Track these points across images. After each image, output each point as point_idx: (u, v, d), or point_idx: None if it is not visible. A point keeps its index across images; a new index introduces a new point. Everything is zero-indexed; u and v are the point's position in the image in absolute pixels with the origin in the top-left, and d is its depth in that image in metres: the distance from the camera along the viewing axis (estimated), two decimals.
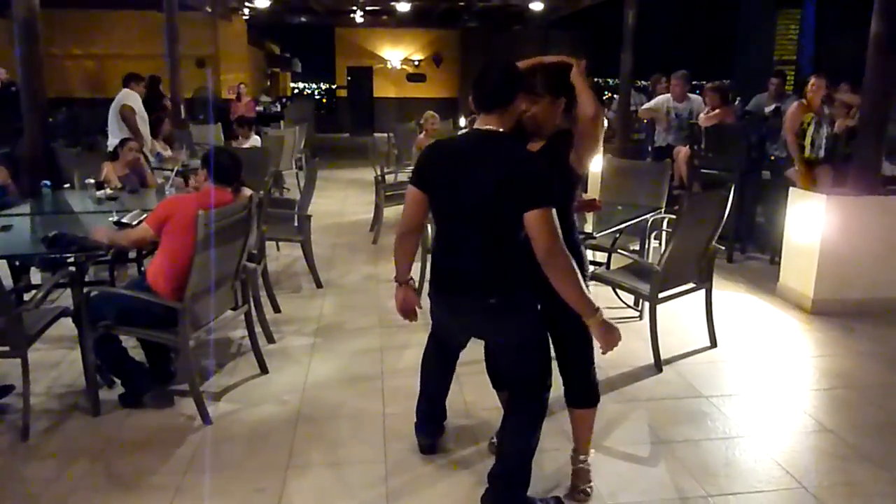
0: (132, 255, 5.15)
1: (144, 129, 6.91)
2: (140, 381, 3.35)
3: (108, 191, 4.87)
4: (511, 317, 2.37)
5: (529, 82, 2.38)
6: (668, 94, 7.54)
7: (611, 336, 2.30)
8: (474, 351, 2.81)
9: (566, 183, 2.44)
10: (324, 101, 31.68)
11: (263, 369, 3.72)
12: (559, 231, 2.19)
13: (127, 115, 6.65)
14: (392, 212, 7.42)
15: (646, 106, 7.96)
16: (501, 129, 2.30)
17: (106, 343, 3.23)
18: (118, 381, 3.40)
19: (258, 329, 3.92)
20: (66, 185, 5.38)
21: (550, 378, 2.51)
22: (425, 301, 2.67)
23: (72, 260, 3.39)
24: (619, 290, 4.45)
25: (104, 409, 3.25)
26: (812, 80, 6.03)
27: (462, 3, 15.00)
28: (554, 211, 2.19)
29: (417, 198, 2.45)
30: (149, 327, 3.20)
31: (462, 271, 2.40)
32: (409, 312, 2.66)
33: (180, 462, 2.86)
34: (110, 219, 3.96)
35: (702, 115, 6.92)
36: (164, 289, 3.17)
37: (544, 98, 2.38)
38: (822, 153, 5.73)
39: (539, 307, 2.44)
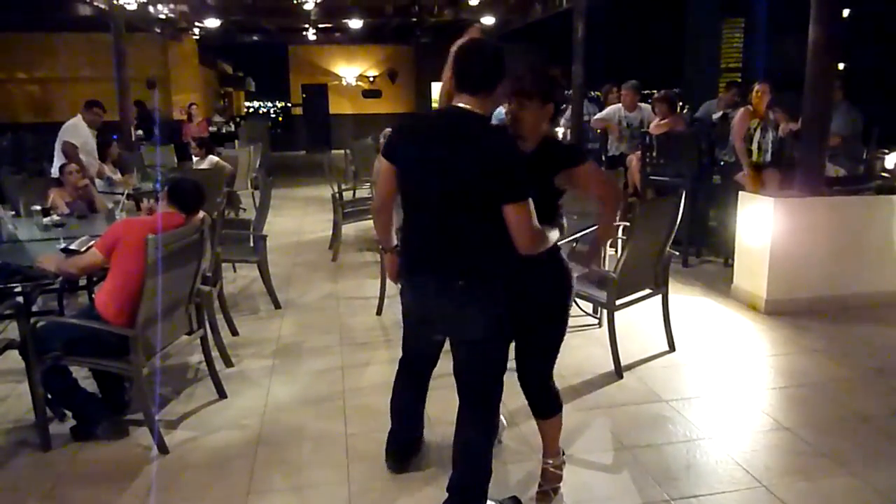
0: (82, 282, 5.01)
1: (89, 159, 6.68)
2: (92, 413, 3.24)
3: (55, 217, 4.73)
4: (477, 305, 2.30)
5: (519, 86, 2.35)
6: (620, 104, 7.69)
7: None
8: (440, 365, 2.78)
9: (544, 194, 2.35)
10: (279, 119, 31.46)
11: (221, 394, 3.64)
12: (535, 219, 2.17)
13: (68, 152, 6.40)
14: (351, 229, 7.39)
15: (598, 116, 8.10)
16: (484, 114, 2.26)
17: (55, 375, 3.11)
18: (69, 414, 3.28)
19: (215, 353, 3.84)
20: (13, 213, 5.20)
21: (501, 387, 2.47)
22: (388, 318, 2.65)
23: (18, 290, 3.27)
24: (577, 299, 4.49)
25: (55, 443, 3.13)
26: (757, 86, 6.20)
27: (414, 19, 15.08)
28: (530, 202, 2.15)
29: (387, 170, 2.41)
30: (100, 356, 3.09)
31: (430, 251, 2.33)
32: (398, 277, 2.61)
33: (137, 494, 2.77)
34: (58, 246, 3.84)
35: (652, 123, 7.07)
36: (113, 315, 3.07)
37: (533, 101, 2.34)
38: (768, 157, 5.89)
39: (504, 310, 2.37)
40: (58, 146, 6.56)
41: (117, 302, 3.08)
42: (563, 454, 2.77)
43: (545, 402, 2.64)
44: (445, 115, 2.37)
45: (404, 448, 2.92)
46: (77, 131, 6.61)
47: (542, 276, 2.43)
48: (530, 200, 2.16)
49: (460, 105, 2.25)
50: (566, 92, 7.95)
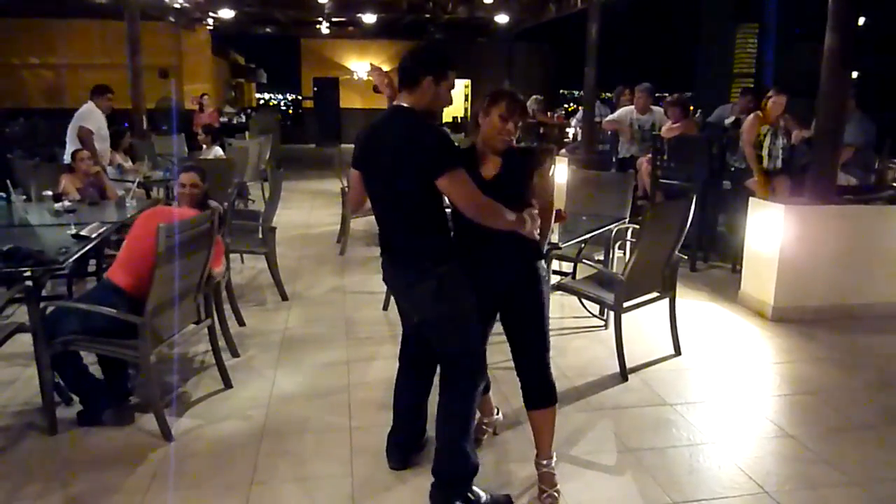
0: (91, 268, 5.05)
1: (103, 145, 6.73)
2: (99, 399, 3.27)
3: (67, 203, 4.76)
4: (432, 288, 2.43)
5: (519, 103, 2.51)
6: (632, 107, 7.67)
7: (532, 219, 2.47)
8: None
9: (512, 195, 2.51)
10: (290, 111, 31.48)
11: (227, 384, 3.66)
12: (474, 187, 2.33)
13: (83, 137, 6.45)
14: (359, 223, 7.40)
15: (609, 118, 8.08)
16: (412, 107, 2.42)
17: (64, 359, 3.15)
18: (76, 399, 3.31)
19: (222, 343, 3.86)
20: (24, 198, 5.23)
21: (482, 362, 2.60)
22: (394, 313, 2.67)
23: (28, 274, 3.29)
24: (584, 300, 4.49)
25: (61, 427, 3.16)
26: (772, 95, 6.18)
27: (428, 16, 15.07)
28: (462, 171, 2.31)
29: (356, 176, 2.61)
30: (108, 342, 3.12)
31: (389, 245, 2.56)
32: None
33: (141, 480, 2.79)
34: (68, 231, 3.86)
35: (664, 126, 7.05)
36: (122, 279, 3.26)
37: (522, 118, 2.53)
38: (779, 163, 5.87)
39: (472, 283, 2.50)
40: (71, 131, 6.59)
41: (130, 274, 3.28)
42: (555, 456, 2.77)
43: (538, 388, 2.65)
44: (384, 115, 2.55)
45: (405, 445, 2.93)
46: (92, 116, 6.65)
47: (506, 241, 2.52)
48: (462, 171, 2.31)
49: (397, 103, 2.48)
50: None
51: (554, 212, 2.72)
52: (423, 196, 2.38)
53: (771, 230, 4.87)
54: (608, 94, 10.57)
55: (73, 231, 3.85)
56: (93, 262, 5.13)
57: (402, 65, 2.46)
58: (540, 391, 2.65)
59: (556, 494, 2.65)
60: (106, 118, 6.85)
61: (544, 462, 2.69)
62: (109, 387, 3.43)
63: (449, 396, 2.56)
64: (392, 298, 4.86)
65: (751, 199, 5.24)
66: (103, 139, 6.76)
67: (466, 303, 2.49)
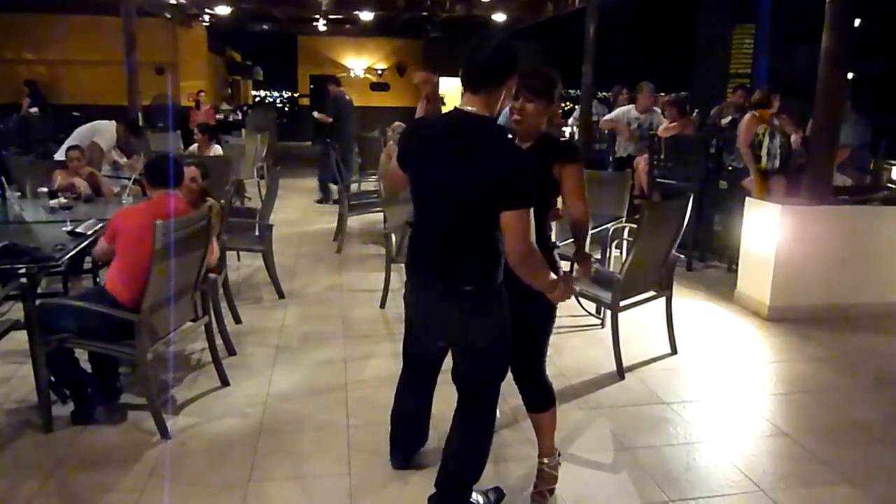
0: (87, 266, 5.02)
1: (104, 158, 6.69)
2: (93, 397, 3.26)
3: (62, 200, 4.74)
4: (483, 313, 2.28)
5: (531, 81, 2.37)
6: (630, 106, 7.68)
7: (566, 284, 2.32)
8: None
9: (545, 190, 2.43)
10: (286, 109, 31.39)
11: (224, 382, 3.65)
12: (533, 232, 2.11)
13: (93, 153, 6.35)
14: (356, 221, 7.40)
15: (607, 117, 8.09)
16: (487, 114, 2.18)
17: (59, 356, 3.14)
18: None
19: (218, 341, 3.85)
20: (19, 195, 5.21)
21: (498, 394, 2.48)
22: (391, 311, 2.65)
23: (24, 271, 3.28)
24: (581, 299, 4.50)
25: (57, 425, 3.15)
26: (768, 93, 6.22)
27: (426, 14, 15.04)
28: (531, 212, 2.10)
29: (399, 174, 2.39)
30: (105, 340, 3.11)
31: (438, 255, 2.30)
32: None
33: (138, 478, 2.78)
34: (64, 229, 3.85)
35: (661, 126, 7.06)
36: (123, 295, 3.12)
37: (540, 99, 2.39)
38: (776, 163, 5.89)
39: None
40: (82, 139, 6.45)
41: (126, 284, 3.13)
42: (559, 455, 2.77)
43: (537, 394, 2.64)
44: (449, 120, 2.28)
45: (409, 446, 2.90)
46: (106, 134, 6.58)
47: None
48: (531, 212, 2.10)
49: (464, 108, 2.19)
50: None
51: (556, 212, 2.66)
52: (492, 219, 2.12)
53: (767, 230, 4.89)
54: (605, 94, 10.59)
55: (69, 228, 3.84)
56: (89, 259, 5.10)
57: (482, 62, 2.14)
58: (537, 396, 2.65)
59: (547, 494, 2.65)
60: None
61: (545, 460, 2.69)
62: (100, 385, 3.42)
63: (468, 430, 2.48)
64: (388, 297, 4.88)
65: (747, 198, 5.25)
66: (108, 149, 6.72)
67: (508, 330, 2.36)
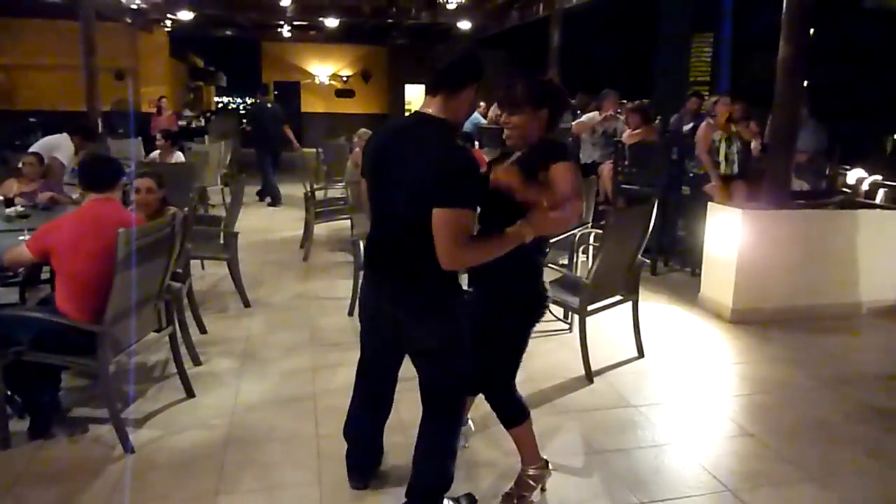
0: (45, 275, 4.88)
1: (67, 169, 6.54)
2: (50, 410, 3.16)
3: (19, 208, 4.61)
4: (434, 315, 2.29)
5: (509, 93, 2.38)
6: (595, 113, 7.78)
7: (545, 219, 2.23)
8: (412, 367, 2.77)
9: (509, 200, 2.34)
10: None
11: (189, 393, 3.58)
12: (463, 238, 2.08)
13: (55, 168, 6.22)
14: (322, 228, 7.33)
15: (579, 121, 8.14)
16: (443, 117, 2.20)
17: (15, 370, 3.03)
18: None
19: (183, 351, 3.77)
20: None
21: (465, 394, 2.48)
22: (356, 321, 2.62)
23: None
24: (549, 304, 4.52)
25: (15, 441, 3.05)
26: (717, 100, 6.38)
27: (391, 21, 15.05)
28: (467, 214, 2.09)
29: (364, 187, 2.42)
30: (64, 352, 3.02)
31: (390, 255, 2.33)
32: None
33: (100, 494, 2.71)
34: (21, 238, 3.73)
35: (625, 133, 7.16)
36: (75, 314, 2.99)
37: (524, 108, 2.38)
38: (735, 168, 6.02)
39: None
40: (43, 152, 6.29)
41: (73, 299, 3.01)
42: (549, 466, 2.75)
43: (509, 411, 2.64)
44: (403, 123, 2.34)
45: (364, 465, 2.81)
46: (64, 149, 6.45)
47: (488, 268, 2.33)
48: (467, 213, 2.09)
49: (423, 110, 2.24)
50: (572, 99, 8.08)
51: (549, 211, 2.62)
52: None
53: (729, 234, 4.99)
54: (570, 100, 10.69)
55: (26, 237, 3.72)
56: (46, 268, 4.97)
57: (443, 68, 2.21)
58: (511, 412, 2.64)
59: (515, 500, 2.63)
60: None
61: (529, 471, 2.67)
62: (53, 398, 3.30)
63: (430, 438, 2.47)
64: (356, 305, 4.83)
65: (709, 203, 5.35)
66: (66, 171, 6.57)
67: (467, 332, 2.35)
